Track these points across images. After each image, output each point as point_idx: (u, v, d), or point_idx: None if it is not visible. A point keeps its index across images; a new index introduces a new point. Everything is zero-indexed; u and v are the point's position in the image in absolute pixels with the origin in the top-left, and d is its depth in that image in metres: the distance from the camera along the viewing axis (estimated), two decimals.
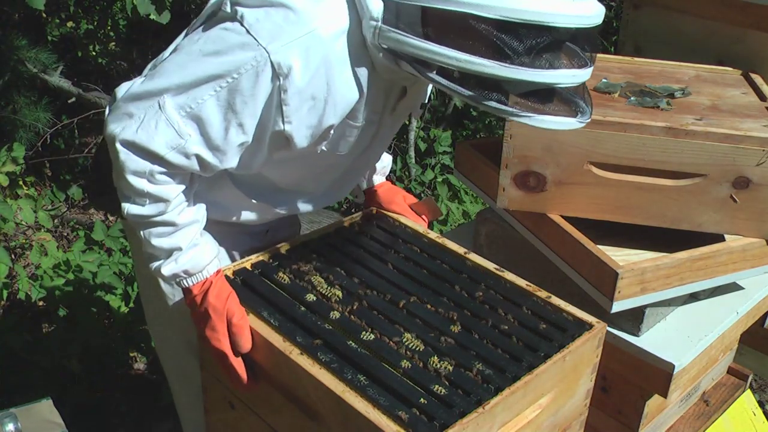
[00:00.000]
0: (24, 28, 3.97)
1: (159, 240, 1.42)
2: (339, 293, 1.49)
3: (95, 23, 4.37)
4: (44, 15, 4.21)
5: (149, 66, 1.48)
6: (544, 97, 1.25)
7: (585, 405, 1.50)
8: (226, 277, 1.53)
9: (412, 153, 4.71)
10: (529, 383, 1.28)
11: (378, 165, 1.91)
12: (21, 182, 3.98)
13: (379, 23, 1.29)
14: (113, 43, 4.57)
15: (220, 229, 1.62)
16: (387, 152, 1.98)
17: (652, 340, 1.66)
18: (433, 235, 1.73)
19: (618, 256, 1.65)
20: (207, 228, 1.53)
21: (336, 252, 1.64)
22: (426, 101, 1.70)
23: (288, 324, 1.40)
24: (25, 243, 3.52)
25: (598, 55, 2.12)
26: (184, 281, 1.46)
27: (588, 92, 1.33)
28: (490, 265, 1.61)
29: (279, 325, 1.39)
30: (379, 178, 1.91)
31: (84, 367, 2.89)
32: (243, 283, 1.52)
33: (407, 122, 4.77)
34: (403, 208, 1.82)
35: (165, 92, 1.31)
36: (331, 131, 1.41)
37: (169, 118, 1.31)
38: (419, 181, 4.50)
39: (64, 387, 2.81)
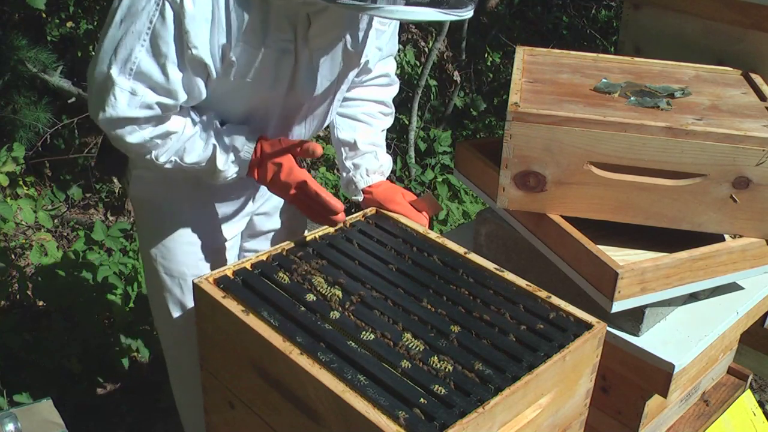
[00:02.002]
0: (24, 28, 3.97)
1: (192, 155, 1.64)
2: (339, 293, 1.49)
3: (95, 23, 4.37)
4: (44, 15, 4.21)
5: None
6: None
7: (585, 405, 1.50)
8: (226, 277, 1.53)
9: (412, 153, 4.71)
10: (529, 383, 1.28)
11: (374, 164, 1.91)
12: (21, 182, 3.99)
13: None
14: None
15: (201, 198, 1.78)
16: (387, 152, 1.99)
17: (652, 340, 1.66)
18: (433, 235, 1.73)
19: (618, 256, 1.65)
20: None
21: (336, 252, 1.65)
22: (372, 52, 1.78)
23: (288, 324, 1.40)
24: (25, 243, 3.53)
25: (599, 55, 2.13)
26: (245, 152, 1.66)
27: None
28: (490, 265, 1.61)
29: (279, 325, 1.39)
30: (377, 177, 1.91)
31: (84, 367, 2.89)
32: (243, 283, 1.52)
33: (407, 122, 4.78)
34: (403, 206, 1.82)
35: (110, 67, 1.50)
36: (232, 54, 1.54)
37: (120, 87, 1.50)
38: (419, 181, 4.51)
39: (64, 387, 2.81)
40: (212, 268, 1.82)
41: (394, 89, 2.02)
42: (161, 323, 1.97)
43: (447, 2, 1.30)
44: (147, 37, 1.47)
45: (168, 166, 1.64)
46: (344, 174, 1.95)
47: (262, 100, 1.68)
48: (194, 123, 1.64)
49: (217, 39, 1.51)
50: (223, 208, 1.89)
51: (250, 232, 2.04)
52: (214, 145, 1.64)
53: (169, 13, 1.45)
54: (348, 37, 1.68)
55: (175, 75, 1.52)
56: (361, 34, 1.71)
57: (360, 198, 1.91)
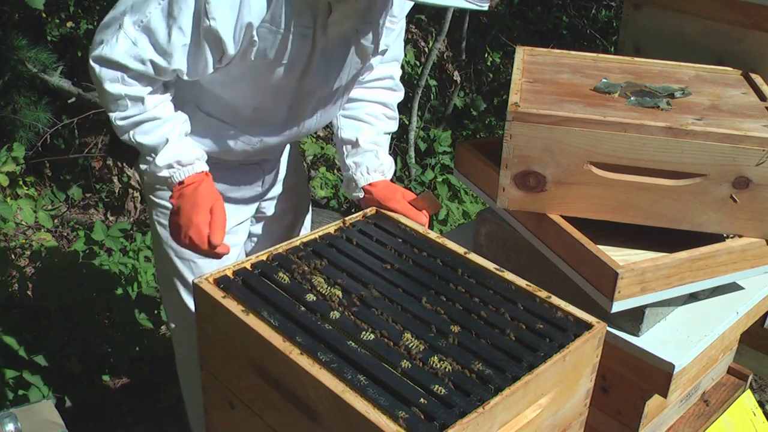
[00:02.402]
0: (24, 28, 3.97)
1: (146, 137, 1.66)
2: (339, 293, 1.49)
3: (95, 23, 4.37)
4: (44, 15, 4.22)
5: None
6: None
7: (585, 405, 1.50)
8: (226, 277, 1.53)
9: (412, 153, 4.71)
10: (529, 383, 1.28)
11: (375, 163, 1.91)
12: (21, 182, 3.99)
13: None
14: None
15: (217, 172, 1.79)
16: (388, 153, 1.99)
17: (652, 340, 1.66)
18: (433, 235, 1.73)
19: (618, 256, 1.65)
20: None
21: (336, 252, 1.65)
22: (380, 49, 1.83)
23: (288, 324, 1.40)
24: (25, 243, 3.53)
25: (599, 55, 2.14)
26: (177, 173, 1.67)
27: None
28: (490, 265, 1.61)
29: (279, 325, 1.39)
30: (377, 176, 1.91)
31: (84, 367, 2.89)
32: (243, 283, 1.52)
33: (407, 122, 4.78)
34: (402, 205, 1.82)
35: (123, 14, 1.58)
36: (254, 34, 1.59)
37: (126, 33, 1.57)
38: (419, 181, 4.51)
39: (64, 387, 2.81)
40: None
41: (399, 95, 2.05)
42: (171, 310, 2.01)
43: None
44: None
45: (120, 129, 1.67)
46: (345, 172, 1.96)
47: (275, 85, 1.71)
48: (166, 110, 1.68)
49: (243, 17, 1.55)
50: (233, 193, 1.93)
51: (258, 215, 2.08)
52: (167, 140, 1.67)
53: None
54: (363, 29, 1.73)
55: (178, 40, 1.57)
56: (375, 27, 1.76)
57: (360, 195, 1.91)
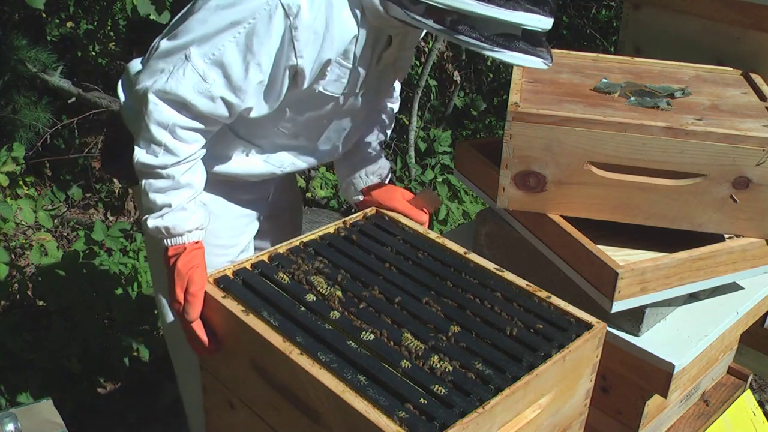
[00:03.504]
0: (24, 28, 3.97)
1: (155, 194, 1.55)
2: (339, 293, 1.49)
3: (95, 23, 4.37)
4: (44, 15, 4.22)
5: (158, 38, 1.59)
6: (512, 39, 1.44)
7: (585, 405, 1.50)
8: (226, 277, 1.53)
9: (412, 153, 4.71)
10: (529, 383, 1.28)
11: (373, 167, 1.92)
12: (21, 182, 3.99)
13: None
14: (113, 43, 4.57)
15: (224, 191, 1.78)
16: (386, 153, 1.99)
17: (652, 340, 1.66)
18: (433, 235, 1.73)
19: (618, 256, 1.65)
20: (215, 199, 1.74)
21: (336, 252, 1.65)
22: (409, 71, 1.82)
23: (288, 324, 1.40)
24: (25, 243, 3.53)
25: (599, 55, 2.14)
26: (165, 240, 1.57)
27: (547, 44, 1.52)
28: (490, 265, 1.61)
29: (279, 325, 1.39)
30: (375, 179, 1.92)
31: (84, 367, 2.89)
32: (243, 283, 1.52)
33: (407, 122, 4.78)
34: (402, 204, 1.82)
35: (190, 45, 1.46)
36: (328, 69, 1.56)
37: (194, 66, 1.46)
38: (419, 181, 4.51)
39: (64, 387, 2.81)
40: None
41: (397, 105, 2.05)
42: (167, 318, 1.97)
43: (544, 56, 1.48)
44: (243, 31, 1.44)
45: (138, 165, 1.53)
46: (345, 177, 1.95)
47: (322, 114, 1.69)
48: (188, 176, 1.56)
49: (324, 54, 1.51)
50: (242, 195, 1.88)
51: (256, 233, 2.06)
52: (170, 205, 1.54)
53: (279, 18, 1.43)
54: (401, 56, 1.74)
55: (255, 76, 1.49)
56: (410, 53, 1.79)
57: (360, 198, 1.91)
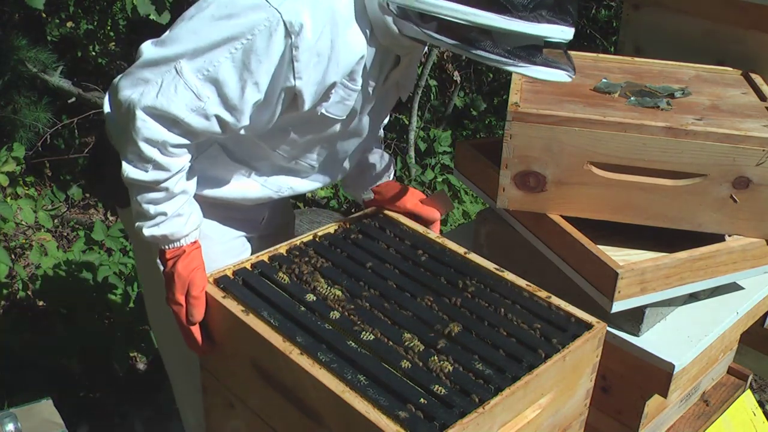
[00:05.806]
0: (24, 28, 3.97)
1: (149, 205, 1.48)
2: (339, 293, 1.49)
3: (95, 23, 4.38)
4: (44, 15, 4.22)
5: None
6: (534, 52, 1.38)
7: (585, 405, 1.50)
8: (226, 277, 1.53)
9: (412, 153, 4.71)
10: (529, 383, 1.28)
11: (381, 165, 1.90)
12: (21, 182, 3.99)
13: None
14: (113, 43, 4.57)
15: (218, 214, 1.71)
16: (387, 152, 1.99)
17: (652, 340, 1.66)
18: (433, 235, 1.73)
19: (618, 256, 1.65)
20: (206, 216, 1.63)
21: (336, 252, 1.65)
22: (413, 90, 1.78)
23: (288, 324, 1.40)
24: (25, 243, 3.52)
25: (599, 55, 2.14)
26: (162, 245, 1.53)
27: (569, 54, 1.46)
28: (490, 265, 1.61)
29: (279, 325, 1.39)
30: (385, 177, 1.90)
31: (84, 367, 2.89)
32: (243, 283, 1.52)
33: (407, 122, 4.78)
34: (413, 204, 1.81)
35: (180, 57, 1.36)
36: (332, 91, 1.48)
37: (187, 82, 1.36)
38: (419, 181, 4.51)
39: (64, 387, 2.81)
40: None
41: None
42: (158, 320, 1.95)
43: (567, 69, 1.41)
44: (240, 47, 1.35)
45: (128, 180, 1.45)
46: (351, 174, 1.93)
47: (323, 137, 1.63)
48: (180, 184, 1.48)
49: (328, 76, 1.44)
50: (233, 235, 1.82)
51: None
52: (165, 214, 1.48)
53: (280, 36, 1.35)
54: (405, 74, 1.70)
55: (252, 96, 1.40)
56: (413, 71, 1.76)
57: (371, 196, 1.89)
